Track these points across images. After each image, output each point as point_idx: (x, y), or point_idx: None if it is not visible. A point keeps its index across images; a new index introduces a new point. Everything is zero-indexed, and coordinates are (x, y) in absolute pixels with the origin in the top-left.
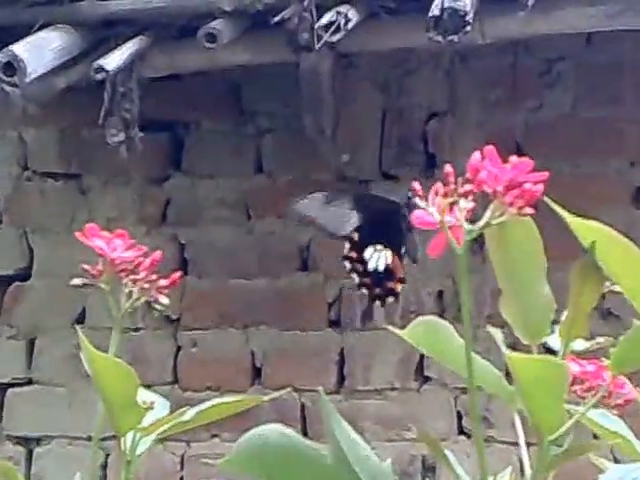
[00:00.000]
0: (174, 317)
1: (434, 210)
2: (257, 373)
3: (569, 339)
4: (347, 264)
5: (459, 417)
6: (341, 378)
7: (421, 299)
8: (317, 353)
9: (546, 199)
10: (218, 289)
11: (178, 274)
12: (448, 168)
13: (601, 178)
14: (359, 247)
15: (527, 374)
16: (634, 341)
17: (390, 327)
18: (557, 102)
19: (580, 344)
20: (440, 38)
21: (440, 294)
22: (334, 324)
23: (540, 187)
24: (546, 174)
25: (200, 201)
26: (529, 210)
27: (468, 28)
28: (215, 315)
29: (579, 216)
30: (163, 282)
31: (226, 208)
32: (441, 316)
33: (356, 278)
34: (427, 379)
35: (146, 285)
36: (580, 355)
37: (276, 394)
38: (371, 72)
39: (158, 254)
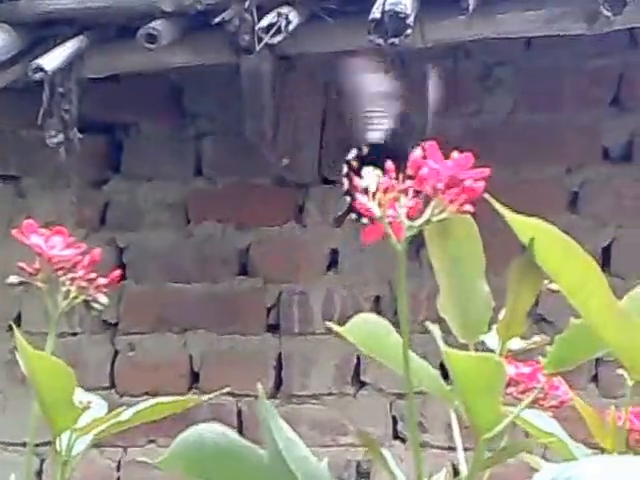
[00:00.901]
0: (112, 321)
1: (374, 205)
2: (195, 378)
3: (506, 338)
4: (345, 168)
5: (394, 422)
6: (279, 383)
7: (359, 304)
8: (255, 358)
9: (486, 196)
10: (156, 293)
11: (118, 272)
12: (389, 164)
13: (540, 185)
14: (364, 162)
15: (464, 371)
16: (570, 339)
17: (329, 324)
18: (496, 107)
19: (517, 343)
20: (381, 41)
21: (377, 299)
22: (273, 329)
23: (481, 184)
24: (487, 171)
25: (139, 204)
26: (469, 208)
27: (409, 31)
28: (153, 319)
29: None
30: (102, 280)
31: (165, 212)
32: None
33: (346, 184)
34: (363, 384)
35: (84, 284)
36: (516, 354)
37: (214, 394)
38: (312, 75)
39: (97, 252)
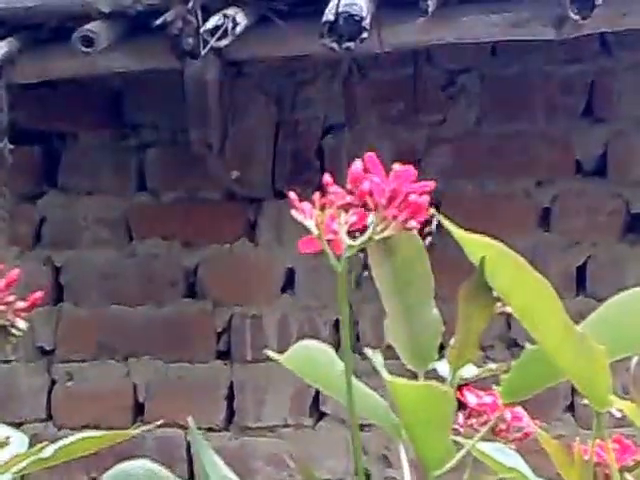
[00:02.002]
0: (48, 348)
1: (312, 224)
2: (140, 409)
3: (458, 365)
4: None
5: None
6: (231, 414)
7: (317, 328)
8: (205, 387)
9: (432, 211)
10: (97, 317)
11: (39, 294)
12: (327, 177)
13: (507, 199)
14: None
15: (409, 401)
16: (526, 366)
17: (269, 351)
18: (461, 117)
19: (470, 371)
20: (335, 45)
21: (337, 323)
22: (223, 355)
23: (426, 198)
24: (432, 184)
25: (77, 220)
26: (414, 224)
27: (365, 34)
28: (93, 345)
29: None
30: (21, 304)
31: (106, 228)
32: (338, 346)
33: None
34: (323, 415)
35: (1, 307)
36: (470, 383)
37: (151, 426)
38: (263, 82)
39: (15, 272)
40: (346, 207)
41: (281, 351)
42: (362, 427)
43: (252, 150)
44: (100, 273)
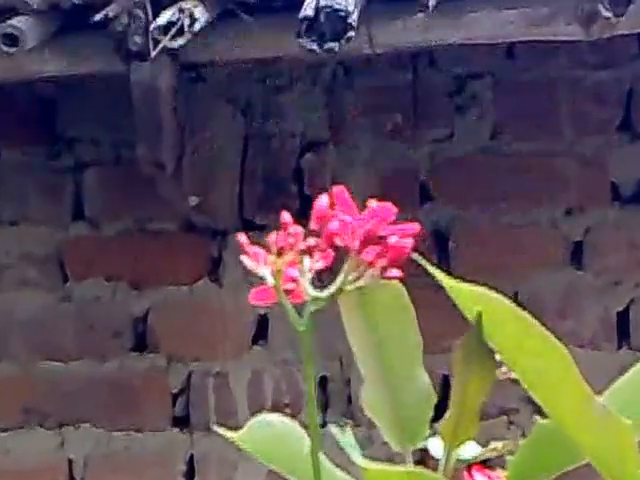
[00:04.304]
0: None
1: (266, 272)
2: None
3: (454, 443)
4: None
5: None
6: None
7: (296, 387)
8: (158, 461)
9: (416, 256)
10: (23, 375)
11: None
12: (285, 216)
13: (530, 230)
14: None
15: None
16: (537, 446)
17: (217, 427)
18: (472, 131)
19: (470, 450)
20: (315, 46)
21: (323, 381)
22: (181, 422)
23: (409, 242)
24: (416, 226)
25: None
26: (396, 272)
27: (351, 33)
28: (18, 410)
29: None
30: None
31: (34, 266)
32: (324, 409)
33: None
34: None
35: None
36: (471, 465)
37: None
38: (227, 88)
39: None
40: (309, 251)
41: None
42: None
43: (214, 171)
44: (26, 321)
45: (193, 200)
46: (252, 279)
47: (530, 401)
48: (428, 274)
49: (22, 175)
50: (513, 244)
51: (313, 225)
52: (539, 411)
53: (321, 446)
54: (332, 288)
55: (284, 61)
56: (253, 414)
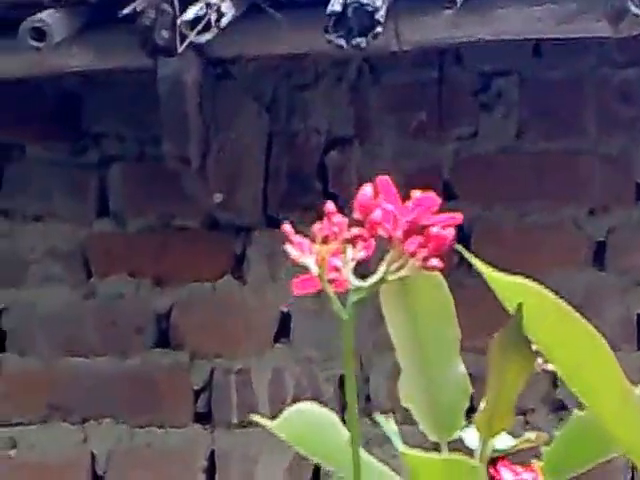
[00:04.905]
0: None
1: (311, 260)
2: None
3: (489, 434)
4: None
5: None
6: None
7: (317, 385)
8: (180, 457)
9: (459, 247)
10: (47, 371)
11: None
12: (330, 206)
13: (554, 230)
14: None
15: (429, 479)
16: (573, 437)
17: (256, 417)
18: (497, 129)
19: (504, 441)
20: (343, 41)
21: (343, 379)
22: (203, 419)
23: (451, 232)
24: (459, 216)
25: (23, 252)
26: (437, 262)
27: (379, 29)
28: (42, 405)
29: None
30: None
31: (58, 263)
32: (343, 407)
33: None
34: None
35: None
36: (505, 456)
37: None
38: (253, 85)
39: None
40: (353, 241)
41: (274, 414)
42: None
43: (239, 168)
44: (51, 317)
45: (217, 197)
46: (276, 276)
47: (547, 402)
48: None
49: (47, 171)
50: (535, 243)
51: (356, 214)
52: (555, 411)
53: (359, 435)
54: (374, 278)
55: (310, 57)
56: (274, 411)
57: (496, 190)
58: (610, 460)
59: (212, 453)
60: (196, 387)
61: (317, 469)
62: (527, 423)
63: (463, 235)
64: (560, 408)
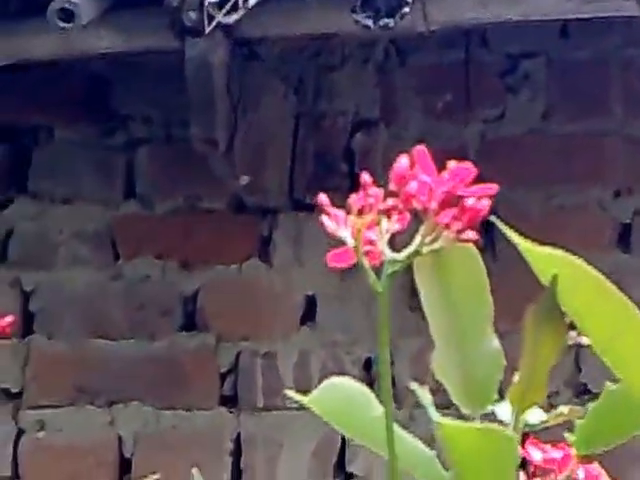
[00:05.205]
0: (14, 390)
1: (347, 233)
2: (125, 466)
3: (522, 408)
4: None
5: None
6: (237, 474)
7: (344, 368)
8: (206, 440)
9: (494, 219)
10: (75, 353)
11: (10, 319)
12: (365, 177)
13: (581, 213)
14: None
15: (464, 449)
16: (606, 410)
17: (290, 391)
18: (523, 111)
19: (537, 415)
20: (370, 22)
21: (369, 363)
22: (229, 402)
23: (486, 203)
24: (495, 186)
25: (52, 234)
26: (472, 234)
27: (406, 9)
28: (70, 388)
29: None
30: None
31: (86, 244)
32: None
33: None
34: (350, 476)
35: None
36: (536, 430)
37: None
38: (280, 66)
39: None
40: (387, 213)
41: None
42: None
43: (266, 150)
44: (79, 299)
45: (244, 179)
46: (302, 259)
47: (571, 385)
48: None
49: (75, 153)
50: (561, 225)
51: (392, 186)
52: (578, 395)
53: (393, 410)
54: (408, 250)
55: (337, 38)
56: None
57: (522, 172)
58: None
59: (238, 436)
60: (222, 370)
61: (343, 453)
62: (551, 406)
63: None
64: (584, 392)
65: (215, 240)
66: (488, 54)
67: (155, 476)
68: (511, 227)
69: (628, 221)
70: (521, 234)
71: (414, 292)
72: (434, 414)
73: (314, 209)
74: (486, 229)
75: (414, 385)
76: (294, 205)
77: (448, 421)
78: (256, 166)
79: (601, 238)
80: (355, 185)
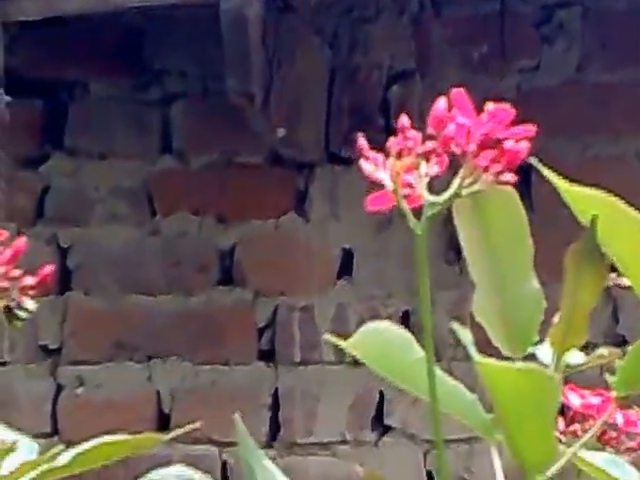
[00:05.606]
0: (53, 346)
1: (386, 176)
2: (164, 421)
3: (563, 349)
4: None
5: (430, 478)
6: (276, 427)
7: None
8: (244, 394)
9: (533, 161)
10: (112, 309)
11: (50, 269)
12: (404, 120)
13: (617, 162)
14: None
15: (506, 389)
16: None
17: (328, 335)
18: (559, 62)
19: (577, 357)
20: None
21: (405, 316)
22: (266, 356)
23: (525, 145)
24: (533, 129)
25: (88, 191)
26: (511, 177)
27: None
28: (108, 344)
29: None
30: (30, 280)
31: (123, 201)
32: None
33: None
34: (388, 429)
35: (5, 284)
36: (573, 382)
37: (181, 430)
38: (315, 19)
39: (22, 242)
40: (426, 156)
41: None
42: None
43: (302, 103)
44: (116, 255)
45: (280, 132)
46: (338, 213)
47: (609, 336)
48: None
49: (110, 108)
50: (597, 175)
51: (430, 129)
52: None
53: (434, 353)
54: (448, 193)
55: None
56: (336, 349)
57: (558, 122)
58: None
59: (276, 391)
60: (260, 325)
61: (380, 406)
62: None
63: (525, 167)
64: (622, 343)
65: (252, 195)
66: (523, 4)
67: (195, 424)
68: (546, 178)
69: None
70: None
71: (450, 245)
72: (475, 354)
73: (350, 163)
74: (524, 179)
75: (455, 325)
76: (330, 159)
77: (489, 361)
78: (292, 120)
79: (638, 188)
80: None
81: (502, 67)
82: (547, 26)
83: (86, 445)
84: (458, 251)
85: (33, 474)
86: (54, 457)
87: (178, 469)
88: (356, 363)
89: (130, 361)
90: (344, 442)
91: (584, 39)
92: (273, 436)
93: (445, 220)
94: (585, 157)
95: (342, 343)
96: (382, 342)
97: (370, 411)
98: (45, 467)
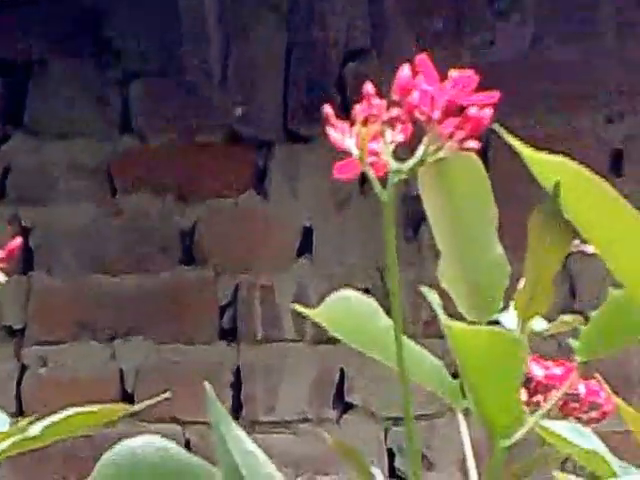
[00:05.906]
0: (17, 327)
1: (352, 143)
2: (128, 399)
3: (527, 315)
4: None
5: (390, 456)
6: (238, 406)
7: None
8: (206, 373)
9: (496, 127)
10: (74, 288)
11: (17, 242)
12: (369, 88)
13: (570, 138)
14: None
15: (473, 352)
16: (609, 316)
17: (297, 305)
18: (513, 36)
19: (541, 324)
20: None
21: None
22: (228, 334)
23: (488, 112)
24: (496, 94)
25: (49, 170)
26: (475, 143)
27: None
28: (71, 323)
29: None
30: None
31: (83, 179)
32: None
33: None
34: (349, 406)
35: None
36: (539, 336)
37: (148, 402)
38: None
39: None
40: (392, 123)
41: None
42: (396, 421)
43: (259, 81)
44: (77, 235)
45: (238, 111)
46: (297, 191)
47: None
48: None
49: (71, 86)
50: (552, 152)
51: (394, 96)
52: None
53: (402, 321)
54: (413, 160)
55: None
56: (297, 326)
57: (511, 99)
58: None
59: (237, 369)
60: (221, 303)
61: (341, 384)
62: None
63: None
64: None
65: (211, 173)
66: None
67: (163, 395)
68: (501, 153)
69: (620, 146)
70: (511, 159)
71: (409, 222)
72: (442, 316)
73: (309, 140)
74: (480, 153)
75: (424, 288)
76: (289, 136)
77: (458, 324)
78: (250, 96)
79: (594, 164)
80: (348, 114)
81: (457, 42)
82: (501, 0)
83: (55, 417)
84: (416, 228)
85: (4, 445)
86: (24, 429)
87: (151, 440)
88: (317, 341)
89: (93, 340)
90: (306, 420)
91: (538, 13)
92: (235, 414)
93: (403, 197)
94: (538, 132)
95: (309, 312)
96: (349, 310)
97: (331, 389)
98: (17, 438)
